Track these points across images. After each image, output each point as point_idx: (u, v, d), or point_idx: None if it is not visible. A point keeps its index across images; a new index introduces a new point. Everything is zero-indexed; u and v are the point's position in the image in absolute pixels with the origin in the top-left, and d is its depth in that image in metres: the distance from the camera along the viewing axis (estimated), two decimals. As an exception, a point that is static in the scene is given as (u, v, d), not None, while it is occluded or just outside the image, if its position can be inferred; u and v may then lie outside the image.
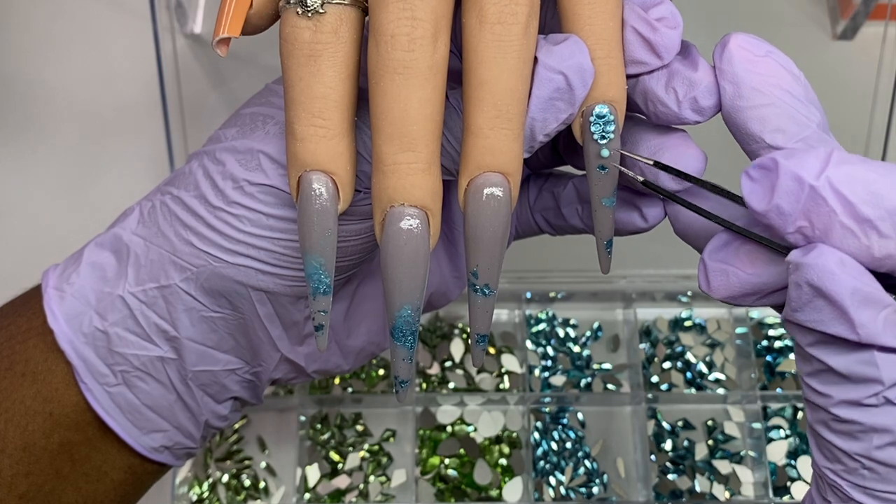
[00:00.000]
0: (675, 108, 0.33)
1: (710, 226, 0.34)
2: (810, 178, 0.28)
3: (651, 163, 0.34)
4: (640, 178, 0.34)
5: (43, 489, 0.39)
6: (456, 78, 0.33)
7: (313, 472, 0.62)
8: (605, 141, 0.33)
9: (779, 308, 0.32)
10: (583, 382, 0.64)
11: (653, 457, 0.62)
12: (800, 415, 0.63)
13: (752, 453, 0.62)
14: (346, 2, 0.32)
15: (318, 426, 0.63)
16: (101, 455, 0.40)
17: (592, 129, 0.33)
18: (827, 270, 0.28)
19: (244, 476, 0.62)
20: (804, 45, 0.70)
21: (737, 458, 0.62)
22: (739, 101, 0.32)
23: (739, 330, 0.65)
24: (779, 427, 0.62)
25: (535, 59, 0.32)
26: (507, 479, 0.61)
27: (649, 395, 0.63)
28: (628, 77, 0.34)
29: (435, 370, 0.64)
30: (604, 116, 0.33)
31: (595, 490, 0.61)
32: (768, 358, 0.64)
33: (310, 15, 0.31)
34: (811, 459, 0.31)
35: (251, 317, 0.39)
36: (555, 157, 0.41)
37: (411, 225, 0.31)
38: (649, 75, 0.34)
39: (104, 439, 0.40)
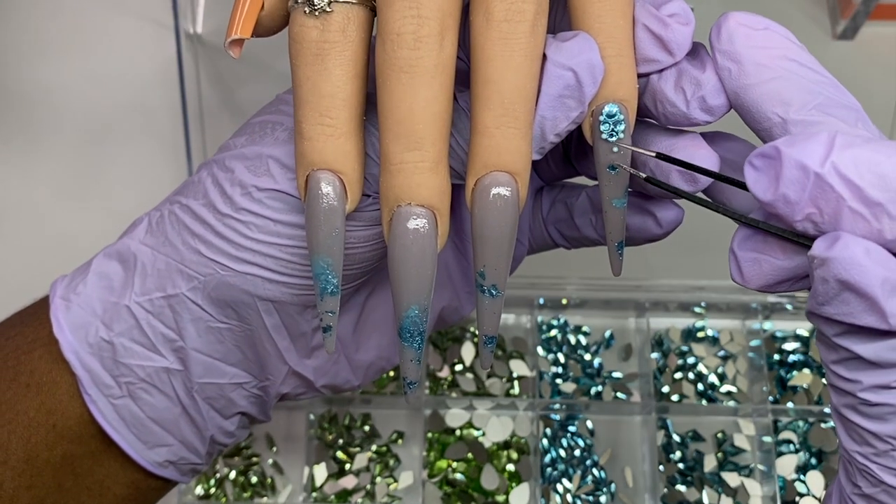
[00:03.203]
0: (684, 108, 0.33)
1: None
2: (815, 166, 0.27)
3: (653, 154, 0.33)
4: (643, 175, 0.34)
5: (45, 502, 0.39)
6: (465, 80, 0.33)
7: (321, 472, 0.62)
8: (614, 139, 0.33)
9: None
10: (593, 390, 0.64)
11: (661, 467, 0.61)
12: (810, 429, 0.62)
13: (761, 467, 0.62)
14: (353, 1, 0.32)
15: (327, 426, 0.63)
16: (104, 469, 0.40)
17: (602, 128, 0.33)
18: (855, 262, 0.27)
19: (251, 473, 0.62)
20: (804, 44, 0.69)
21: (746, 471, 0.62)
22: (745, 80, 0.31)
23: (752, 343, 0.64)
24: (789, 441, 0.62)
25: (544, 56, 0.32)
26: (514, 484, 0.61)
27: (660, 405, 0.62)
28: (639, 76, 0.33)
29: (445, 373, 0.64)
30: (613, 115, 0.33)
31: (602, 499, 0.61)
32: (780, 372, 0.64)
33: (317, 14, 0.31)
34: (838, 443, 0.31)
35: (258, 328, 0.39)
36: (567, 167, 0.41)
37: (418, 224, 0.31)
38: (658, 75, 0.33)
39: (108, 453, 0.39)
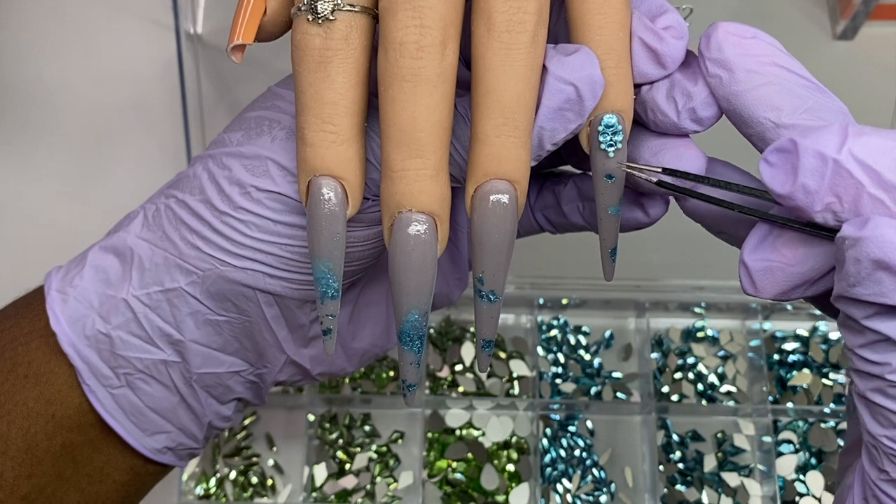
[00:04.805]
0: (675, 118, 0.34)
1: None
2: (832, 153, 0.28)
3: (659, 170, 0.34)
4: (654, 179, 0.34)
5: (45, 491, 0.39)
6: (465, 86, 0.33)
7: (320, 472, 0.62)
8: (612, 148, 0.33)
9: (822, 297, 0.31)
10: (593, 390, 0.64)
11: (661, 467, 0.61)
12: (809, 429, 0.62)
13: (761, 467, 0.62)
14: (356, 9, 0.32)
15: (327, 425, 0.63)
16: (103, 456, 0.40)
17: (600, 138, 0.33)
18: (888, 241, 0.27)
19: (251, 473, 0.62)
20: (804, 45, 0.69)
21: (746, 471, 0.62)
22: (736, 87, 0.32)
23: (752, 343, 0.64)
24: (789, 441, 0.62)
25: (545, 68, 0.32)
26: (514, 484, 0.61)
27: (659, 405, 0.62)
28: (634, 87, 0.34)
29: (445, 373, 0.64)
30: (612, 126, 0.33)
31: (602, 499, 0.61)
32: (780, 372, 0.64)
33: (320, 22, 0.32)
34: (863, 429, 0.31)
35: (258, 319, 0.39)
36: (555, 157, 0.42)
37: (419, 230, 0.32)
38: (650, 84, 0.34)
39: (107, 441, 0.40)
